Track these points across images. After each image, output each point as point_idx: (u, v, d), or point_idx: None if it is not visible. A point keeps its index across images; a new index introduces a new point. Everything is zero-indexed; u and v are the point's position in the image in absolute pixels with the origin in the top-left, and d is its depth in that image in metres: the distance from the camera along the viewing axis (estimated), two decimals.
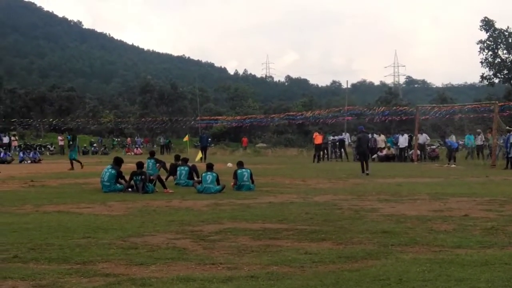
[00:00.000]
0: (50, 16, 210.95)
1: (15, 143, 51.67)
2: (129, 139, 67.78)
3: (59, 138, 59.74)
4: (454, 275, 6.52)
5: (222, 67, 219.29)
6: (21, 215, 12.09)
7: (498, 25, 64.23)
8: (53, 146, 60.15)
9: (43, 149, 56.86)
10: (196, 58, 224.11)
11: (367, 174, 25.10)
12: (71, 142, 31.57)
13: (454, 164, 32.52)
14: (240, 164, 18.94)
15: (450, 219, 11.19)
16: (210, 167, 18.23)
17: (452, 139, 37.97)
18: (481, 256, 7.66)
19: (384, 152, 40.07)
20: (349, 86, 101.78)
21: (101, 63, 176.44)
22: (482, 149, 37.75)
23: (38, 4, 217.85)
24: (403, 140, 40.39)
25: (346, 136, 44.96)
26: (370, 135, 37.46)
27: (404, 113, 59.76)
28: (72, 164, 29.23)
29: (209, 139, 49.17)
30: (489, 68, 64.57)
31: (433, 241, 8.77)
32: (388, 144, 40.77)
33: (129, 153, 57.28)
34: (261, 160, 41.90)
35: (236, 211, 12.79)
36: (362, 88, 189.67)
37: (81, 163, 29.58)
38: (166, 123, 76.61)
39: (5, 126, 64.68)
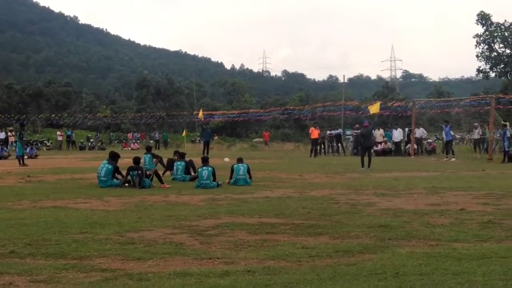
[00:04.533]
0: (46, 11, 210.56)
1: (11, 139, 51.38)
2: (129, 134, 67.67)
3: (58, 133, 59.72)
4: (451, 269, 6.53)
5: (219, 61, 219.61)
6: (18, 210, 12.07)
7: (494, 19, 64.38)
8: (50, 142, 60.10)
9: (39, 144, 56.77)
10: (192, 53, 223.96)
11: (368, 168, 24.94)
12: (17, 140, 30.81)
13: (454, 158, 32.49)
14: (239, 160, 18.94)
15: (447, 213, 11.22)
16: (205, 161, 18.20)
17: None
18: (478, 249, 7.68)
19: (381, 146, 40.07)
20: (346, 81, 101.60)
21: (98, 58, 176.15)
22: (480, 143, 37.74)
23: (34, 0, 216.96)
24: (397, 134, 40.45)
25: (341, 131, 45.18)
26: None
27: (401, 107, 59.68)
28: (23, 160, 29.04)
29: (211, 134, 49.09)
30: (485, 62, 64.71)
31: (429, 235, 8.79)
32: (385, 139, 40.78)
33: (126, 148, 57.33)
34: (258, 154, 41.88)
35: (233, 206, 12.78)
36: (359, 82, 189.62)
37: (22, 162, 29.01)
38: (163, 118, 76.57)
39: (2, 122, 64.47)
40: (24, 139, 31.54)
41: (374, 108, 38.32)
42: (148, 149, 24.12)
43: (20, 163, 28.58)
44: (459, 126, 46.71)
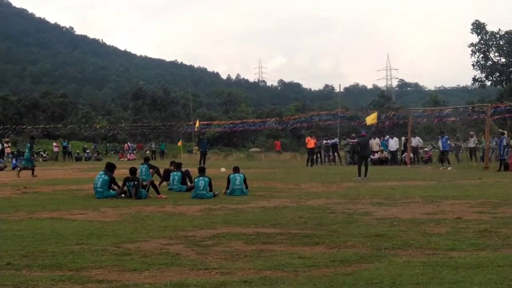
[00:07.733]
0: (42, 22, 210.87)
1: (8, 150, 51.35)
2: (126, 144, 67.59)
3: (54, 144, 59.56)
4: (448, 278, 6.52)
5: (215, 72, 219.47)
6: (14, 222, 12.03)
7: (489, 28, 64.57)
8: (46, 153, 59.97)
9: (35, 155, 56.60)
10: (188, 63, 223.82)
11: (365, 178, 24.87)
12: (27, 151, 30.67)
13: (450, 167, 32.46)
14: (235, 169, 18.91)
15: (443, 222, 11.21)
16: (202, 171, 18.18)
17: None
18: (474, 258, 7.67)
19: (377, 155, 40.03)
20: (341, 90, 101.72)
21: (94, 69, 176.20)
22: (475, 152, 37.77)
23: (30, 11, 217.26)
24: (393, 143, 40.43)
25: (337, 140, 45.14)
26: None
27: (397, 116, 59.67)
28: (33, 171, 28.99)
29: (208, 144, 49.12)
30: (480, 71, 64.84)
31: (426, 244, 8.78)
32: (382, 148, 40.75)
33: (123, 159, 57.27)
34: (255, 164, 41.87)
35: (229, 216, 12.76)
36: (355, 91, 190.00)
37: (25, 170, 29.12)
38: (159, 128, 76.56)
39: None
40: (33, 151, 31.28)
41: (371, 119, 38.27)
42: (146, 160, 24.05)
43: (32, 175, 28.45)
44: (455, 135, 46.71)
